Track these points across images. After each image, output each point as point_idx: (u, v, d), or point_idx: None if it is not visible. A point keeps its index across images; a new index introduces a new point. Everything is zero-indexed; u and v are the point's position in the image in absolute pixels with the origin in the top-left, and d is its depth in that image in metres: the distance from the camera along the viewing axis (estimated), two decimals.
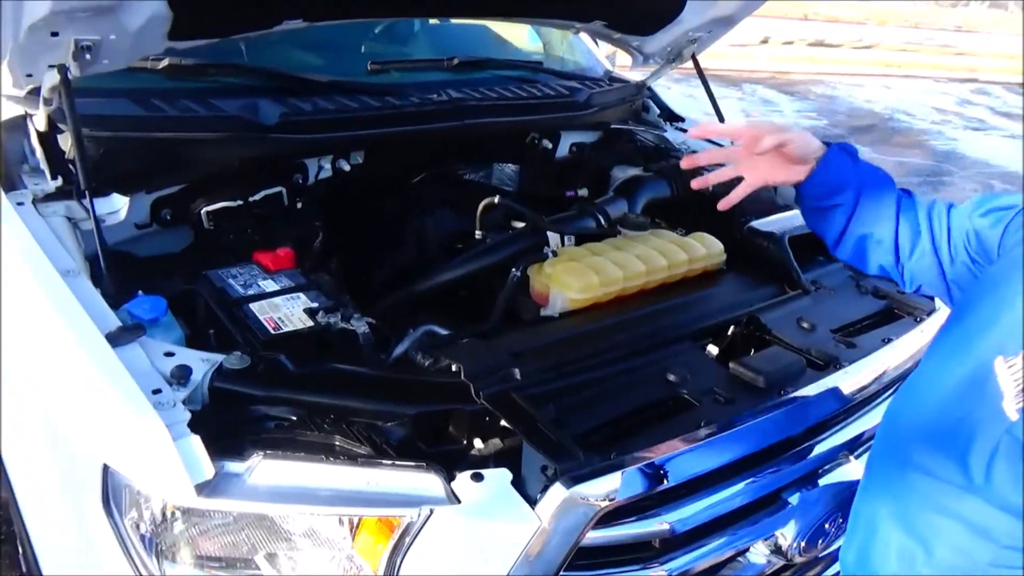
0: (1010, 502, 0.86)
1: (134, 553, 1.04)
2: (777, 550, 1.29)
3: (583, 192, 2.20)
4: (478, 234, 1.75)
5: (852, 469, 1.37)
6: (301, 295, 1.39)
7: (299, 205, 1.77)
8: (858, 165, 1.26)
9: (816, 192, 1.26)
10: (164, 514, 1.05)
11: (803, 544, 1.29)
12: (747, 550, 1.28)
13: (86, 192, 1.36)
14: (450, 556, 1.03)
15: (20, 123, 1.60)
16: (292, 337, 1.28)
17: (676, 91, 6.45)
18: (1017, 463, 0.85)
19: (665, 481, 1.09)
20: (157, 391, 1.05)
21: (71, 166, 1.53)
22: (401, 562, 1.02)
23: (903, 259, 1.23)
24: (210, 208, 1.62)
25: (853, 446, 1.40)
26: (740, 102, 9.01)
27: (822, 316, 1.53)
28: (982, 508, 0.89)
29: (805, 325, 1.50)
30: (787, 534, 1.28)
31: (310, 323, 1.31)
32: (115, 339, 1.11)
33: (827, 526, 1.31)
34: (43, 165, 1.54)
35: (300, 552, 1.07)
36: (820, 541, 1.32)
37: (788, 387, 1.29)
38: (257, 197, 1.67)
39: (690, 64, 2.33)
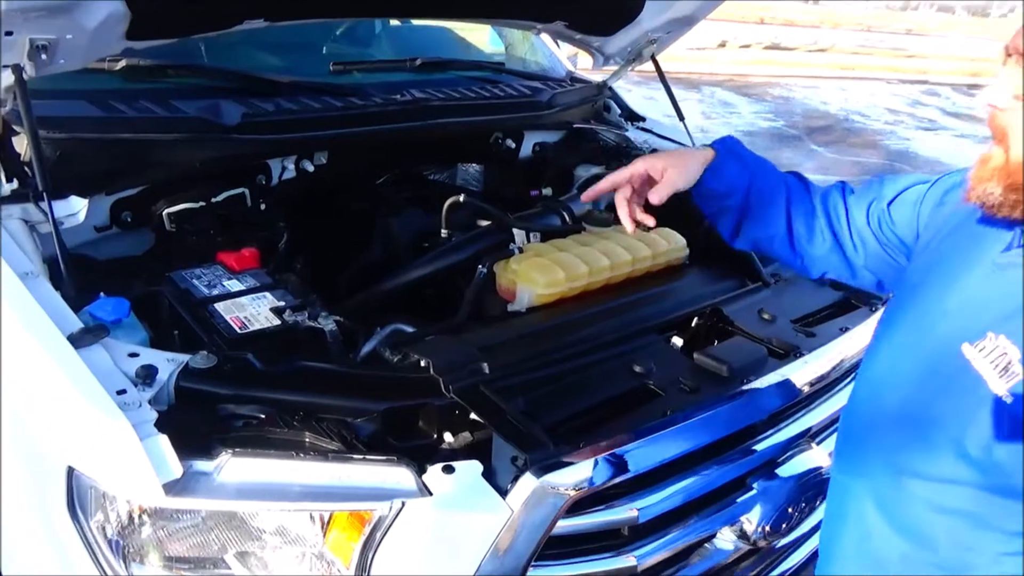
0: (1017, 486, 0.84)
1: (101, 557, 1.02)
2: (743, 535, 1.32)
3: (547, 191, 2.22)
4: (444, 233, 1.75)
5: (814, 455, 1.40)
6: (267, 294, 1.38)
7: (263, 206, 1.76)
8: (746, 165, 1.29)
9: (706, 196, 1.31)
10: (131, 516, 1.04)
11: (768, 528, 1.32)
12: (714, 536, 1.31)
13: (44, 194, 1.34)
14: (422, 548, 1.04)
15: None
16: (259, 336, 1.27)
17: (636, 93, 6.52)
18: (1020, 441, 0.83)
19: (633, 469, 1.11)
20: (122, 392, 1.04)
21: (27, 168, 1.50)
22: (373, 556, 1.03)
23: (800, 248, 1.27)
24: (172, 210, 1.60)
25: (815, 432, 1.44)
26: (699, 104, 9.14)
27: (782, 307, 1.57)
28: (983, 498, 0.88)
29: (766, 316, 1.53)
30: (752, 519, 1.31)
31: (277, 322, 1.30)
32: (77, 340, 1.09)
33: (791, 510, 1.34)
34: None
35: (271, 550, 1.06)
36: (784, 525, 1.35)
37: (751, 376, 1.32)
38: (220, 198, 1.66)
39: (650, 65, 2.37)
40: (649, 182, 1.30)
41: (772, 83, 11.15)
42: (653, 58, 2.33)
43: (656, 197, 1.27)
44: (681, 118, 2.30)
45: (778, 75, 11.68)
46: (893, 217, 1.19)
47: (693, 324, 1.48)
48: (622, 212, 1.31)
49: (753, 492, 1.32)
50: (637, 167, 1.30)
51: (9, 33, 1.30)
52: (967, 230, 0.99)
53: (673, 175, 1.27)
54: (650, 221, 1.32)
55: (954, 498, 0.90)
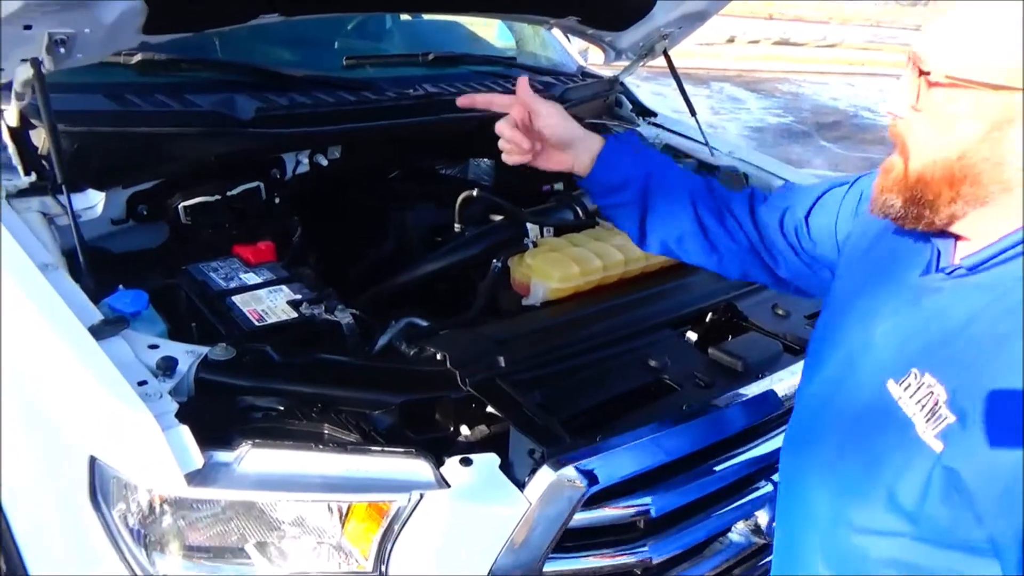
0: (954, 537, 0.74)
1: (123, 546, 1.03)
2: (757, 530, 1.32)
3: (558, 186, 2.22)
4: (457, 227, 1.76)
5: None
6: (284, 287, 1.39)
7: (277, 200, 1.77)
8: (641, 157, 1.14)
9: (600, 189, 1.15)
10: (152, 506, 1.05)
11: None
12: (728, 530, 1.31)
13: (63, 187, 1.35)
14: (440, 540, 1.05)
15: None
16: (276, 329, 1.28)
17: (645, 89, 6.51)
18: (954, 495, 0.72)
19: (650, 463, 1.11)
20: (143, 383, 1.05)
21: (44, 162, 1.52)
22: (392, 548, 1.03)
23: (716, 244, 1.14)
24: (187, 203, 1.61)
25: None
26: (708, 100, 9.11)
27: (795, 303, 1.57)
28: (915, 548, 0.77)
29: (780, 312, 1.53)
30: (766, 514, 1.31)
31: (294, 315, 1.31)
32: (98, 332, 1.10)
33: None
34: (15, 161, 1.51)
35: (289, 541, 1.07)
36: None
37: (765, 371, 1.32)
38: (235, 192, 1.66)
39: (660, 61, 2.36)
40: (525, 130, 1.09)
41: (781, 79, 11.10)
42: (665, 53, 2.33)
43: (541, 122, 1.08)
44: (693, 113, 2.30)
45: (787, 71, 11.63)
46: (812, 229, 1.08)
47: (707, 319, 1.48)
48: (507, 136, 1.08)
49: (768, 487, 1.32)
50: (515, 109, 1.09)
51: (28, 27, 1.31)
52: (886, 244, 0.92)
53: (555, 122, 1.09)
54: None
55: (890, 549, 0.80)
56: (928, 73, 0.75)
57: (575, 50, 2.85)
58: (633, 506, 1.14)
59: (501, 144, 1.10)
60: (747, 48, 12.61)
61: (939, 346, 0.78)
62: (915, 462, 0.76)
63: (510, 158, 1.11)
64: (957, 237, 0.81)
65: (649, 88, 6.46)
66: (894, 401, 0.80)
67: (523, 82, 1.10)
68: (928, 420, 0.75)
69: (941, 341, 0.78)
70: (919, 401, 0.77)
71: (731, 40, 12.56)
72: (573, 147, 1.12)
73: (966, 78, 0.73)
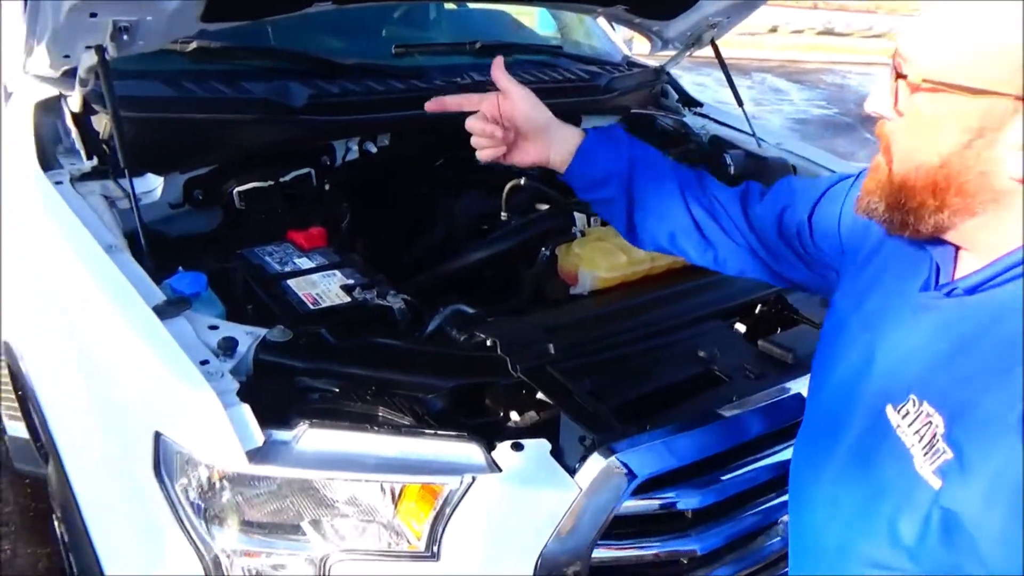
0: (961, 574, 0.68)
1: (185, 519, 1.07)
2: None
3: None
4: (504, 215, 1.77)
5: None
6: (336, 272, 1.41)
7: (326, 186, 1.80)
8: (622, 148, 1.08)
9: (578, 184, 1.11)
10: (211, 482, 1.08)
11: None
12: (776, 523, 1.31)
13: (126, 171, 1.38)
14: (491, 523, 1.06)
15: (53, 104, 1.62)
16: (330, 312, 1.30)
17: (687, 79, 6.44)
18: (954, 536, 0.67)
19: (700, 453, 1.11)
20: (205, 362, 1.08)
21: (105, 146, 1.56)
22: (444, 529, 1.05)
23: (711, 240, 1.09)
24: (241, 188, 1.64)
25: None
26: (750, 90, 8.98)
27: None
28: None
29: (827, 305, 1.52)
30: None
31: (347, 299, 1.34)
32: (162, 312, 1.14)
33: None
34: (78, 145, 1.56)
35: (343, 519, 1.10)
36: None
37: None
38: (287, 178, 1.69)
39: (701, 51, 2.34)
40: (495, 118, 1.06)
41: (825, 69, 10.89)
42: (713, 43, 2.31)
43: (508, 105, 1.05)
44: (740, 104, 2.28)
45: (831, 61, 11.41)
46: (815, 229, 1.01)
47: (757, 311, 1.47)
48: (477, 130, 1.06)
49: None
50: (490, 95, 1.07)
51: (94, 15, 1.35)
52: (889, 247, 0.87)
53: (527, 106, 1.06)
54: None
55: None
56: (906, 76, 0.70)
57: (620, 39, 2.84)
58: (681, 496, 1.15)
59: (473, 141, 1.07)
60: (790, 38, 12.39)
61: (936, 372, 0.73)
62: (915, 498, 0.71)
63: (482, 154, 1.07)
64: (957, 247, 0.75)
65: (690, 78, 6.37)
66: (893, 429, 0.74)
67: (497, 61, 1.07)
68: (927, 453, 0.70)
69: (938, 366, 0.73)
70: (917, 431, 0.72)
71: (774, 29, 12.34)
72: (548, 136, 1.08)
73: (944, 82, 0.67)
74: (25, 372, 1.43)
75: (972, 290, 0.72)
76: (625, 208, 1.10)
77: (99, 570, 1.20)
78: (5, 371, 1.79)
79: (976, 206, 0.69)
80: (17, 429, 1.95)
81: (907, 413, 0.73)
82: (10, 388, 1.83)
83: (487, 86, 1.93)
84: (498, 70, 1.06)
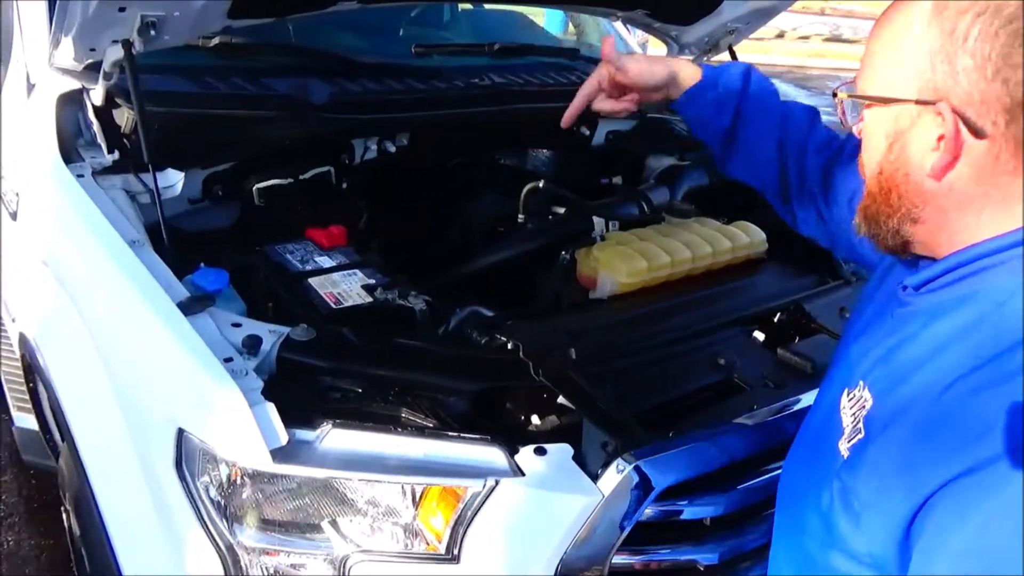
0: (856, 551, 0.73)
1: (206, 516, 1.07)
2: None
3: (617, 180, 2.21)
4: (521, 218, 1.77)
5: None
6: (357, 272, 1.41)
7: (345, 185, 1.80)
8: (732, 100, 1.15)
9: (688, 121, 1.22)
10: (232, 479, 1.08)
11: None
12: None
13: (150, 166, 1.38)
14: (512, 527, 1.06)
15: (76, 97, 1.62)
16: (352, 312, 1.30)
17: None
18: (846, 508, 0.73)
19: (723, 461, 1.11)
20: (229, 359, 1.08)
21: (126, 140, 1.56)
22: (465, 532, 1.05)
23: (792, 202, 1.16)
24: (261, 185, 1.64)
25: None
26: None
27: None
28: (842, 561, 0.76)
29: (847, 314, 1.52)
30: None
31: (369, 299, 1.34)
32: (187, 308, 1.14)
33: None
34: (100, 139, 1.56)
35: (364, 520, 1.10)
36: None
37: None
38: (307, 175, 1.69)
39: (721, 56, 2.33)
40: (619, 87, 1.16)
41: (832, 76, 10.89)
42: (731, 49, 2.30)
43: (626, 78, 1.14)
44: None
45: (838, 68, 11.41)
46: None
47: (775, 319, 1.47)
48: (607, 108, 1.18)
49: None
50: (601, 71, 1.16)
51: (122, 9, 1.35)
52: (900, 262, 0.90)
53: (641, 71, 1.14)
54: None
55: (823, 553, 0.78)
56: (835, 94, 0.79)
57: (635, 43, 2.84)
58: (700, 504, 1.15)
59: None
60: (797, 44, 12.40)
61: (883, 360, 0.78)
62: (829, 470, 0.77)
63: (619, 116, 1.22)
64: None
65: None
66: (838, 411, 0.80)
67: (608, 41, 1.15)
68: (849, 430, 0.76)
69: (886, 356, 0.78)
70: (853, 412, 0.78)
71: (780, 35, 12.36)
72: (668, 84, 1.16)
73: (860, 95, 0.76)
74: (43, 365, 1.43)
75: (918, 288, 0.78)
76: (720, 150, 1.19)
77: (115, 565, 1.20)
78: (14, 363, 1.79)
79: (916, 212, 0.74)
80: (26, 421, 1.95)
81: (853, 397, 0.79)
82: (21, 380, 1.83)
83: (507, 88, 1.96)
84: (608, 47, 1.15)
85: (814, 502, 0.79)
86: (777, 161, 1.15)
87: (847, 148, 1.12)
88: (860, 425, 0.75)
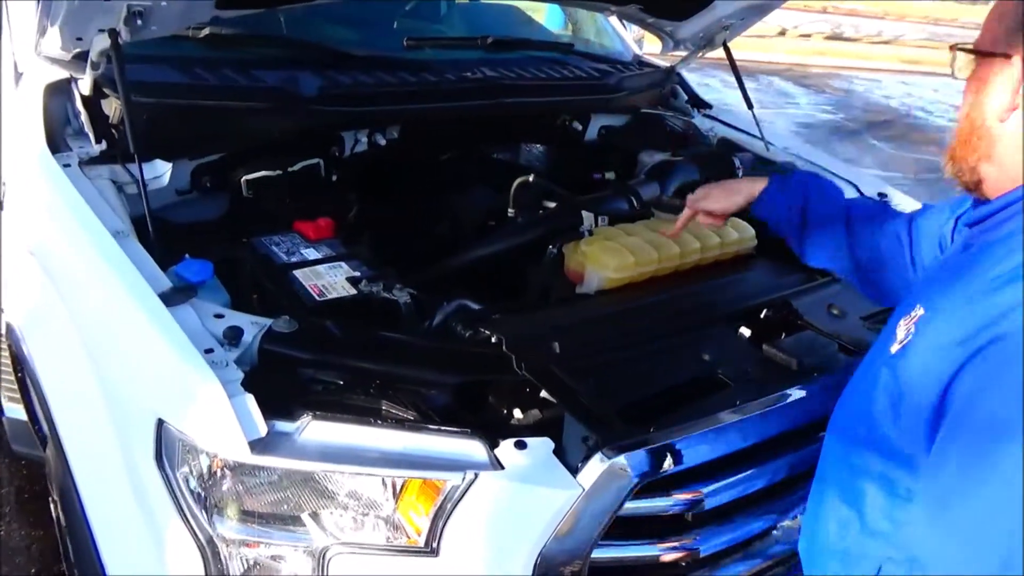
0: (900, 451, 0.87)
1: (185, 507, 1.06)
2: None
3: (610, 175, 2.21)
4: (511, 212, 1.76)
5: None
6: (343, 264, 1.41)
7: (335, 177, 1.79)
8: (794, 199, 1.36)
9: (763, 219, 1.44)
10: (212, 470, 1.08)
11: None
12: (775, 528, 1.31)
13: (136, 156, 1.38)
14: (492, 520, 1.06)
15: (64, 87, 1.61)
16: (336, 304, 1.30)
17: (692, 80, 6.40)
18: (892, 405, 0.88)
19: (702, 456, 1.11)
20: (210, 351, 1.07)
21: (114, 131, 1.55)
22: (444, 525, 1.05)
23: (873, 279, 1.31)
24: (250, 177, 1.64)
25: None
26: (756, 93, 8.94)
27: (852, 303, 1.55)
28: (885, 465, 0.90)
29: (835, 311, 1.51)
30: None
31: (353, 291, 1.33)
32: (168, 299, 1.13)
33: None
34: (87, 129, 1.56)
35: (344, 512, 1.09)
36: None
37: (820, 371, 1.31)
38: (296, 167, 1.69)
39: (710, 53, 2.33)
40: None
41: (832, 74, 10.87)
42: (725, 45, 2.30)
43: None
44: (750, 106, 2.27)
45: (839, 66, 11.38)
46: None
47: (762, 315, 1.47)
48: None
49: None
50: (687, 214, 1.48)
51: None
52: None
53: (726, 207, 1.44)
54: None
55: (870, 460, 0.93)
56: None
57: (631, 38, 2.83)
58: (683, 498, 1.15)
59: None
60: (798, 42, 12.36)
61: (934, 283, 0.93)
62: (881, 368, 0.92)
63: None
64: None
65: (694, 79, 6.33)
66: (894, 332, 0.93)
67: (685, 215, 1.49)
68: (901, 336, 0.91)
69: (938, 279, 0.93)
70: (906, 325, 0.91)
71: (782, 33, 12.32)
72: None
73: (963, 46, 0.90)
74: (27, 355, 1.43)
75: (971, 224, 0.94)
76: (797, 242, 1.38)
77: (96, 556, 1.20)
78: (6, 353, 1.78)
79: (989, 152, 0.88)
80: (16, 411, 1.95)
81: (907, 316, 0.92)
82: (11, 370, 1.83)
83: (498, 83, 1.95)
84: (689, 200, 1.50)
85: (865, 414, 0.93)
86: (846, 246, 1.32)
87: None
88: (911, 328, 0.89)
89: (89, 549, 1.22)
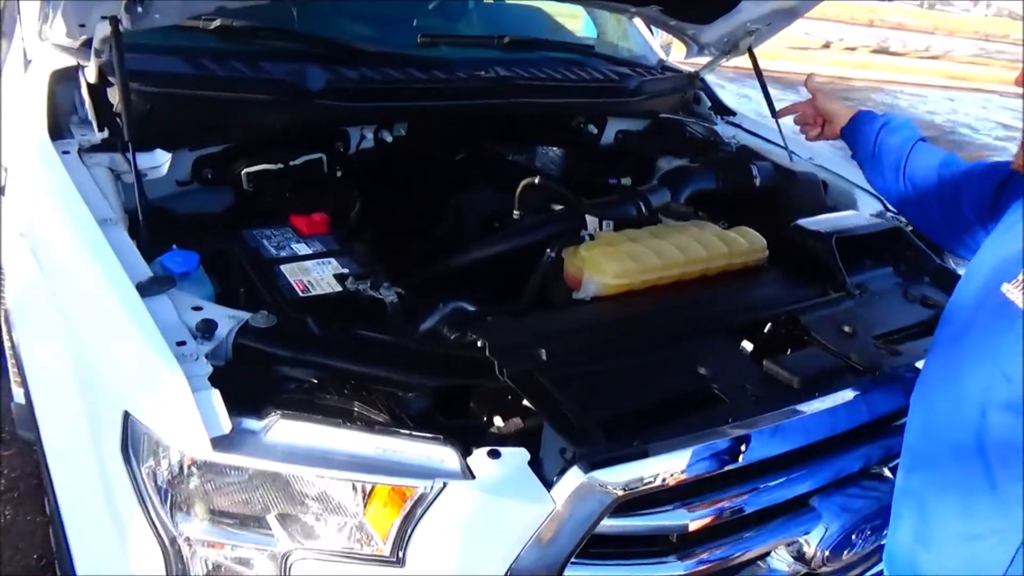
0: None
1: (148, 502, 1.04)
2: (800, 557, 1.25)
3: (626, 180, 2.16)
4: (516, 214, 1.72)
5: (885, 481, 1.31)
6: (332, 260, 1.38)
7: (339, 173, 1.77)
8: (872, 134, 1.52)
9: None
10: (181, 467, 1.05)
11: (827, 553, 1.24)
12: (768, 554, 1.24)
13: (129, 144, 1.37)
14: (460, 531, 1.01)
15: (71, 74, 1.62)
16: (319, 301, 1.27)
17: (730, 90, 6.30)
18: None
19: (687, 474, 1.05)
20: (181, 343, 1.05)
21: (117, 119, 1.55)
22: (411, 533, 1.01)
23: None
24: (250, 170, 1.62)
25: (887, 457, 1.34)
26: None
27: (865, 321, 1.47)
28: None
29: (846, 329, 1.44)
30: (811, 541, 1.24)
31: (338, 288, 1.30)
32: (144, 289, 1.11)
33: (854, 536, 1.26)
34: (91, 116, 1.56)
35: (311, 516, 1.06)
36: (846, 552, 1.27)
37: (824, 390, 1.24)
38: (298, 162, 1.67)
39: (745, 60, 2.26)
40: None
41: (876, 88, 10.62)
42: (750, 51, 2.23)
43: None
44: (774, 114, 2.19)
45: (883, 80, 11.13)
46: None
47: (766, 330, 1.40)
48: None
49: (814, 512, 1.24)
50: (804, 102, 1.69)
51: None
52: None
53: (829, 106, 1.64)
54: None
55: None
56: None
57: (657, 44, 2.78)
58: (665, 519, 1.09)
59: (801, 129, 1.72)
60: (842, 54, 12.12)
61: None
62: (1016, 326, 0.95)
63: (809, 136, 1.71)
64: None
65: (733, 89, 6.27)
66: (1004, 296, 0.97)
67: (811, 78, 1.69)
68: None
69: None
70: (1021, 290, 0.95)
71: (826, 45, 12.10)
72: (840, 117, 1.61)
73: None
74: (16, 341, 1.42)
75: None
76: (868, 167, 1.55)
77: (66, 548, 1.18)
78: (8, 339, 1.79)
79: None
80: (20, 396, 1.96)
81: (1018, 282, 0.96)
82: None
83: (511, 82, 1.91)
84: (811, 83, 1.69)
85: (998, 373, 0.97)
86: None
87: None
88: None
89: (61, 541, 1.21)
